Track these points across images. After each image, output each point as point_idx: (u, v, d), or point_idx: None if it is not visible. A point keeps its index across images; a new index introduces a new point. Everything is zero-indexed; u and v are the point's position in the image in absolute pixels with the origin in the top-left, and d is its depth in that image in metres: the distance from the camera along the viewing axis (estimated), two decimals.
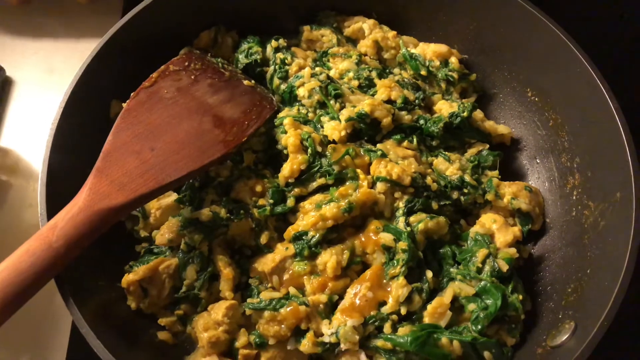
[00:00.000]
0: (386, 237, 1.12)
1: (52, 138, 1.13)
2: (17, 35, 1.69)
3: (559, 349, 0.99)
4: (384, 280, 1.10)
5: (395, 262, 1.10)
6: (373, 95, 1.31)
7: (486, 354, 1.04)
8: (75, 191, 1.02)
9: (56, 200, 1.05)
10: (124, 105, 1.16)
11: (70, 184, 1.05)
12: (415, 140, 1.27)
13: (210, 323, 1.10)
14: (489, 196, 1.22)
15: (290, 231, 1.16)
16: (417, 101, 1.32)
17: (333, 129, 1.22)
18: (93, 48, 1.22)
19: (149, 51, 1.29)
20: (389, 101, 1.29)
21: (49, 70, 1.64)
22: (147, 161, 1.06)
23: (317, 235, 1.13)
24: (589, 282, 1.05)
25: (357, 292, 1.09)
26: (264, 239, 1.18)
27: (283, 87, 1.34)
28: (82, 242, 0.97)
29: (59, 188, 1.09)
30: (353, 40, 1.46)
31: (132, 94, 1.16)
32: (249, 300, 1.13)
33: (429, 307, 1.07)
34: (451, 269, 1.13)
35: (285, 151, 1.22)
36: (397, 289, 1.07)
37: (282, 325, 1.08)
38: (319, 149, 1.21)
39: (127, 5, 1.69)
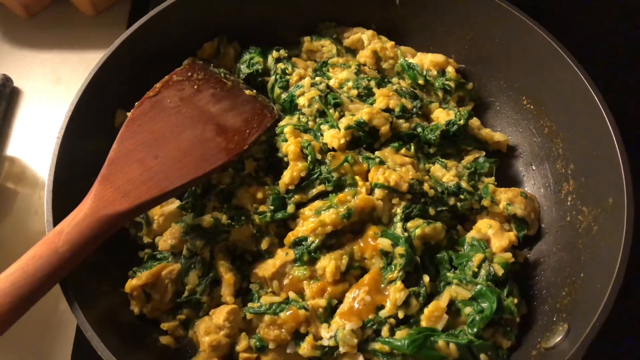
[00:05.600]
0: (384, 243, 1.13)
1: (59, 147, 1.14)
2: (25, 46, 1.72)
3: (552, 350, 1.00)
4: (382, 285, 1.11)
5: (393, 266, 1.11)
6: (372, 104, 1.33)
7: (482, 356, 1.05)
8: (80, 198, 1.03)
9: (62, 207, 1.08)
10: (129, 114, 1.17)
11: (76, 192, 1.07)
12: (412, 147, 1.28)
13: (211, 327, 1.12)
14: (485, 202, 1.23)
15: (290, 237, 1.17)
16: (414, 109, 1.34)
17: (332, 137, 1.24)
18: (99, 59, 1.24)
19: (153, 62, 1.31)
20: (387, 110, 1.30)
21: (56, 81, 1.67)
22: (150, 169, 1.08)
23: (317, 240, 1.14)
24: (582, 285, 1.06)
25: (355, 297, 1.10)
26: (264, 244, 1.20)
27: (284, 96, 1.36)
28: (87, 247, 0.99)
29: (64, 195, 1.11)
30: (352, 51, 1.49)
31: (136, 103, 1.18)
32: (249, 304, 1.14)
33: (426, 310, 1.08)
34: (448, 274, 1.14)
35: (285, 159, 1.24)
36: (395, 293, 1.08)
37: (282, 329, 1.09)
38: (319, 156, 1.23)
39: (132, 18, 1.72)
